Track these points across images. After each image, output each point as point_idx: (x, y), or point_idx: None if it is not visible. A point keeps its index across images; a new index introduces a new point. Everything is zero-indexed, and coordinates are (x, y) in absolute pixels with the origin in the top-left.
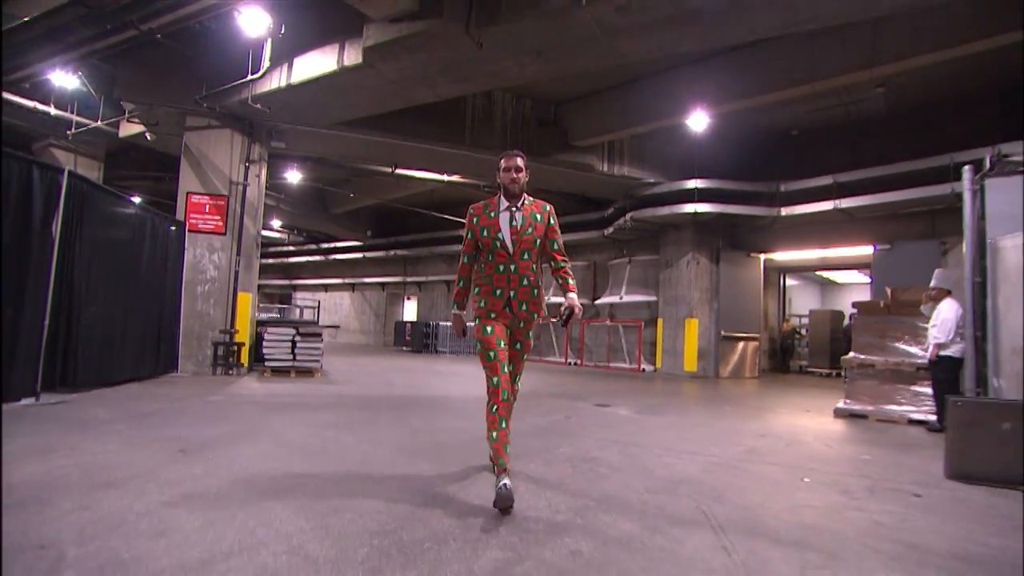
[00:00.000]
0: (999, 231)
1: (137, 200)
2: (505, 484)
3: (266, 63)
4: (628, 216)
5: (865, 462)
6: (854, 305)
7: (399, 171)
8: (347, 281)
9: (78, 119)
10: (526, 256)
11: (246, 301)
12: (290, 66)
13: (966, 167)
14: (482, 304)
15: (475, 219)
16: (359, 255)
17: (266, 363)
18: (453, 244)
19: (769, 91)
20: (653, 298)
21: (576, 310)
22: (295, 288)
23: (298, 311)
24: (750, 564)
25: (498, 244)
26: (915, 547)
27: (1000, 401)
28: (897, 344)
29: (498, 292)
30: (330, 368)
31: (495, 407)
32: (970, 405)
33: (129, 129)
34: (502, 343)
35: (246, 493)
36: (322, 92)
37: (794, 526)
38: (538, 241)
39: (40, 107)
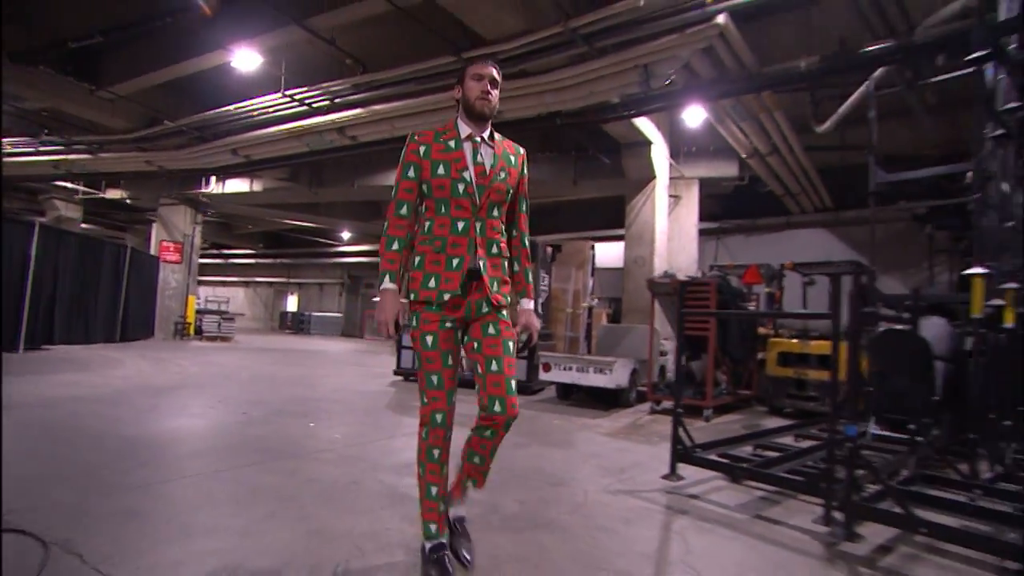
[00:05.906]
0: None
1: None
2: (441, 544)
3: (213, 183)
4: None
5: None
6: None
7: (283, 220)
8: (242, 279)
9: (84, 189)
10: (496, 212)
11: (192, 300)
12: (223, 184)
13: None
14: (430, 283)
15: (423, 149)
16: (252, 261)
17: (204, 334)
18: (323, 258)
19: None
20: None
21: (534, 334)
22: (199, 283)
23: (216, 304)
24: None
25: (460, 189)
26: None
27: None
28: None
29: (456, 262)
30: (239, 338)
31: (427, 437)
32: None
33: (112, 193)
34: (450, 360)
35: (241, 360)
36: (239, 195)
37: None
38: (511, 193)
39: (71, 186)
